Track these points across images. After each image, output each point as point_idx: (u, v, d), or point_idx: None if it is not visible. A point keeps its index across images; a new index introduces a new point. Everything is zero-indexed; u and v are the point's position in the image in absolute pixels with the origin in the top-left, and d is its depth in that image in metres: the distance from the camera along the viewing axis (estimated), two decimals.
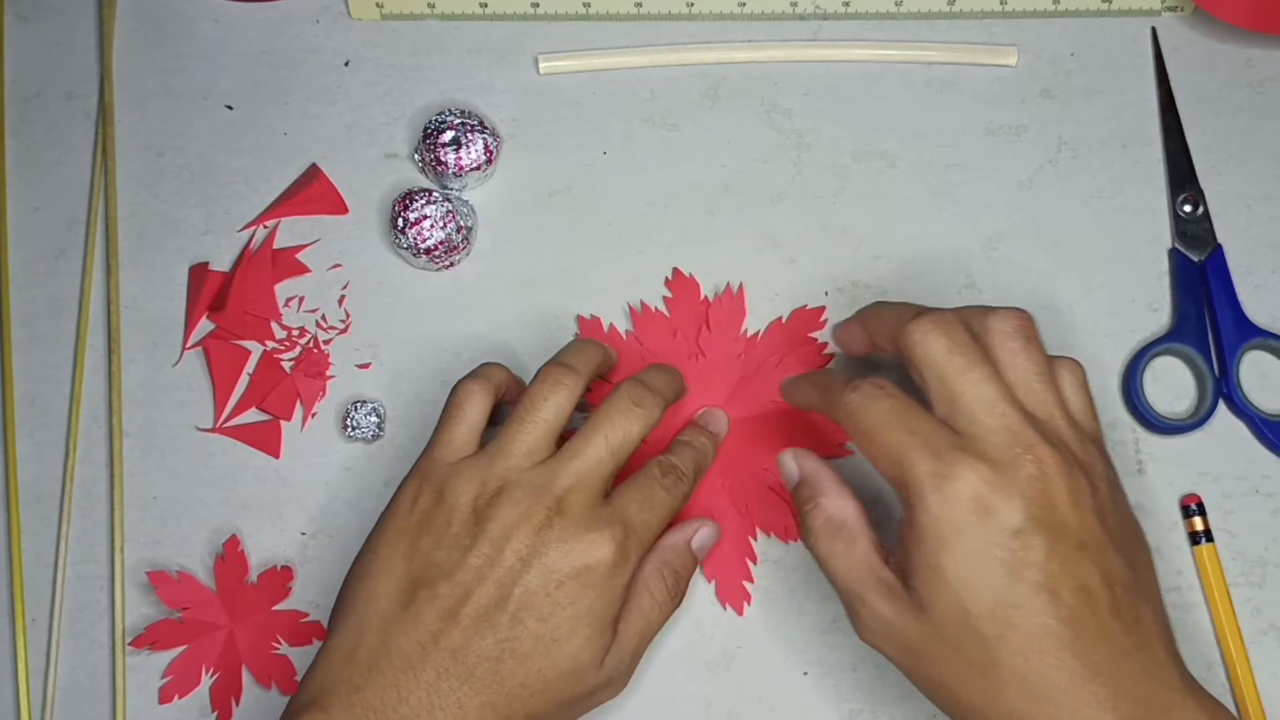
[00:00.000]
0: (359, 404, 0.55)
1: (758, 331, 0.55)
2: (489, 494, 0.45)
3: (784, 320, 0.55)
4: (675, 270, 0.57)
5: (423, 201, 0.55)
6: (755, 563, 0.53)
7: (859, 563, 0.43)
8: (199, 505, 0.55)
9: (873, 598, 0.42)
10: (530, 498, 0.44)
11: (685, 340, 0.55)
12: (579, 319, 0.56)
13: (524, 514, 0.44)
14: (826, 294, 0.56)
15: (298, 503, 0.55)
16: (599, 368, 0.51)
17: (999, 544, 0.39)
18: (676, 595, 0.48)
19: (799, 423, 0.54)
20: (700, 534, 0.50)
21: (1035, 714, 0.39)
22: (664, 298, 0.56)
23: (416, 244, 0.55)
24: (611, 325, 0.56)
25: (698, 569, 0.52)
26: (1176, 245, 0.56)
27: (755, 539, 0.53)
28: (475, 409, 0.48)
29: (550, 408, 0.47)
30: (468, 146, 0.56)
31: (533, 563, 0.44)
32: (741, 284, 0.56)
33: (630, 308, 0.56)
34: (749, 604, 0.53)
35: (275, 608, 0.53)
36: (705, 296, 0.56)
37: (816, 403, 0.47)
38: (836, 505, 0.45)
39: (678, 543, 0.49)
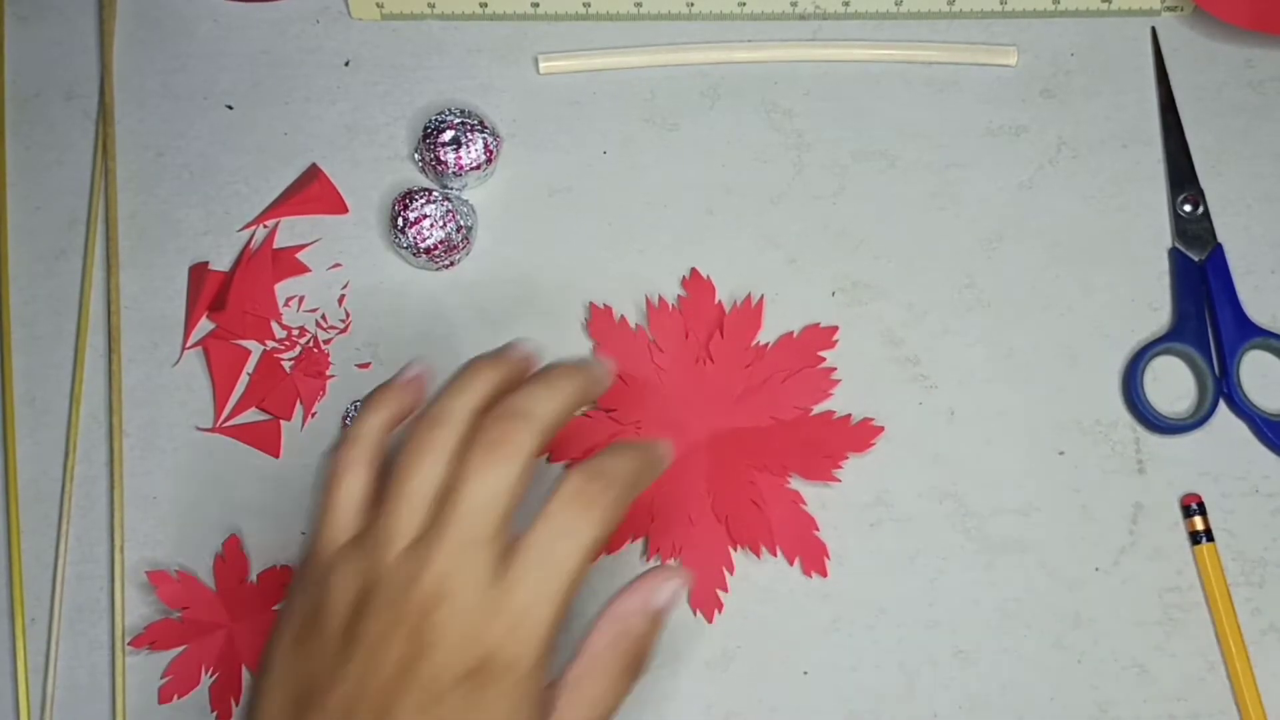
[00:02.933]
0: (359, 404, 0.55)
1: (766, 343, 0.55)
2: (363, 594, 0.38)
3: (795, 335, 0.55)
4: (693, 271, 0.56)
5: (422, 201, 0.55)
6: (732, 573, 0.53)
7: None
8: (199, 505, 0.55)
9: None
10: (402, 597, 0.37)
11: (696, 343, 0.55)
12: (590, 306, 0.56)
13: (396, 618, 0.37)
14: (833, 294, 0.56)
15: (297, 503, 0.55)
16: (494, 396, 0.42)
17: None
18: (634, 669, 0.39)
19: (794, 441, 0.53)
20: (662, 591, 0.40)
21: None
22: (679, 297, 0.56)
23: (416, 243, 0.55)
24: (623, 316, 0.56)
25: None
26: (1177, 245, 0.56)
27: (735, 549, 0.53)
28: (354, 484, 0.40)
29: (421, 479, 0.39)
30: (468, 146, 0.56)
31: (412, 673, 0.36)
32: (762, 296, 0.56)
33: (648, 300, 0.56)
34: (720, 612, 0.52)
35: (275, 608, 0.53)
36: (720, 300, 0.56)
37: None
38: None
39: (634, 607, 0.40)
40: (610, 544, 0.53)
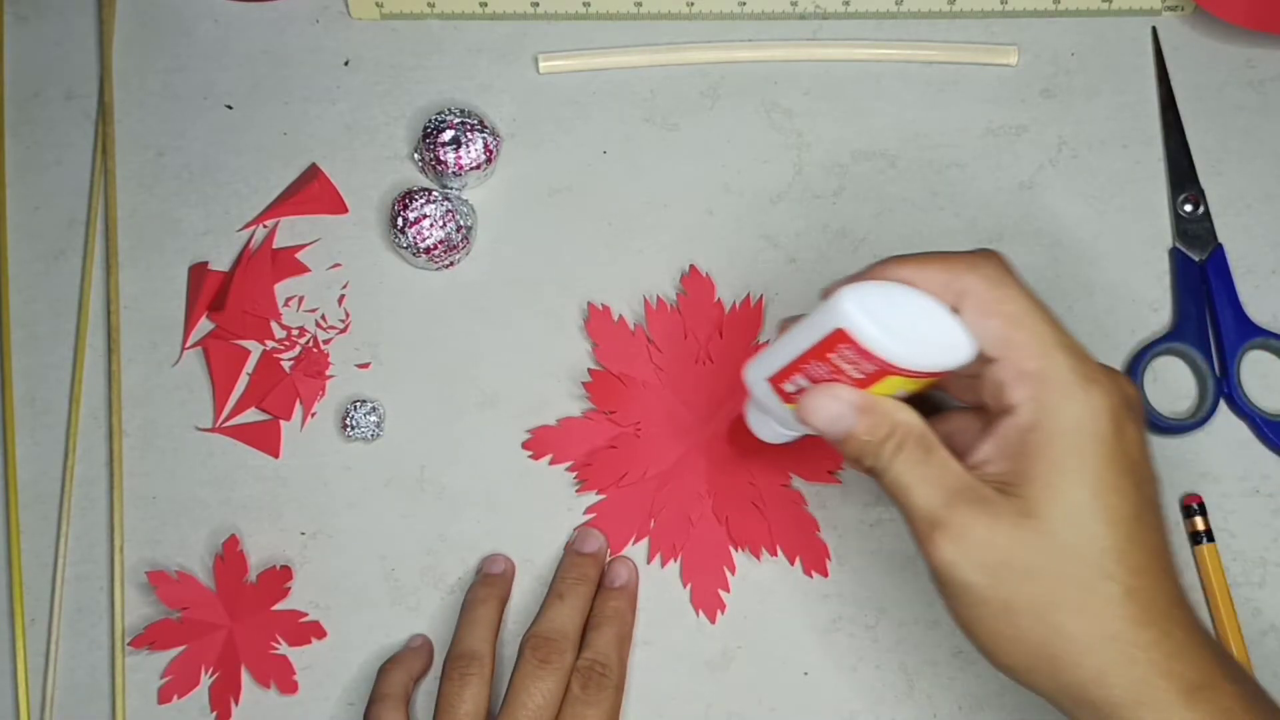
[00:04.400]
0: (359, 403, 0.55)
1: (766, 343, 0.55)
2: None
3: None
4: (692, 267, 0.56)
5: (422, 201, 0.55)
6: (734, 573, 0.53)
7: (942, 473, 0.39)
8: (199, 505, 0.55)
9: (964, 508, 0.38)
10: None
11: (695, 343, 0.55)
12: (590, 306, 0.56)
13: None
14: None
15: (297, 503, 0.55)
16: (501, 615, 0.52)
17: (1131, 457, 0.39)
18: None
19: (794, 443, 0.53)
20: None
21: (1137, 640, 0.38)
22: (677, 295, 0.56)
23: (416, 243, 0.55)
24: (621, 316, 0.56)
25: (679, 568, 0.52)
26: (1177, 245, 0.56)
27: (736, 550, 0.53)
28: None
29: (466, 705, 0.49)
30: (467, 146, 0.56)
31: None
32: (761, 296, 0.56)
33: (646, 300, 0.56)
34: (722, 612, 0.53)
35: (274, 608, 0.53)
36: (719, 300, 0.56)
37: (936, 281, 0.40)
38: (903, 416, 0.40)
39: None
40: (611, 547, 0.53)
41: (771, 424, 0.46)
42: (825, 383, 0.40)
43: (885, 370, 0.39)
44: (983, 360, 0.40)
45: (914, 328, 0.39)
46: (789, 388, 0.42)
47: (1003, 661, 0.40)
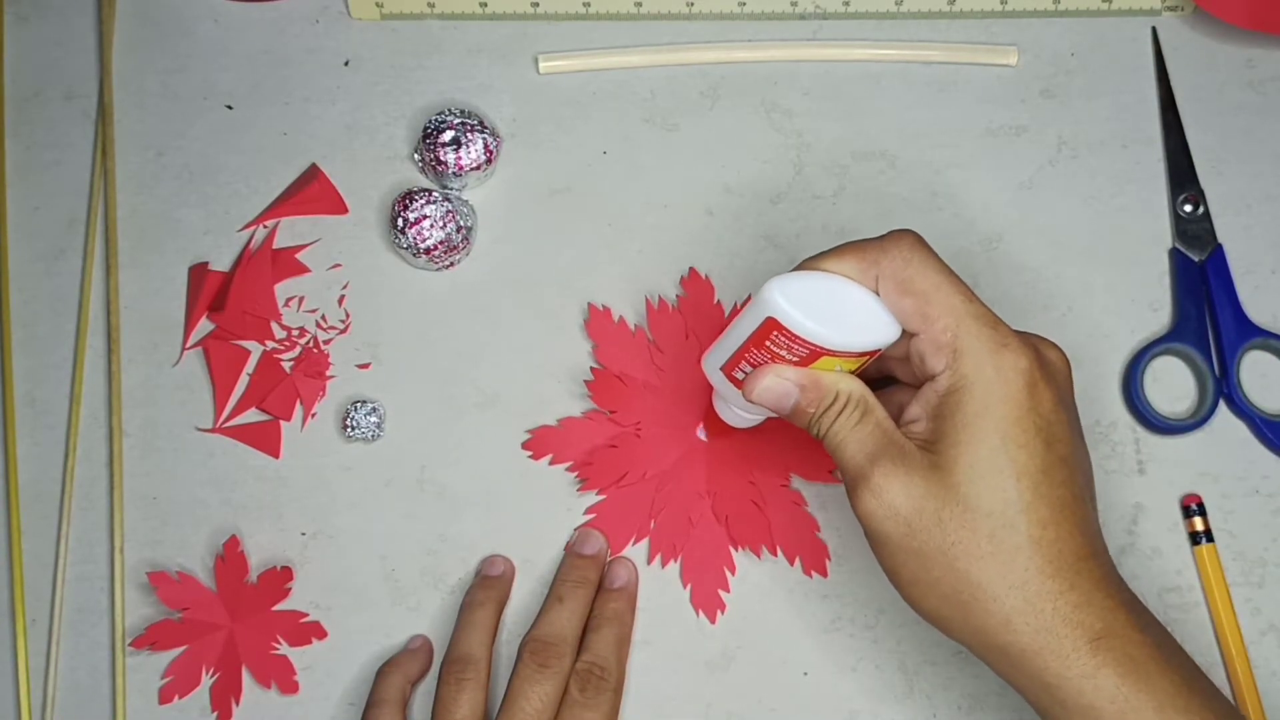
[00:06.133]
0: (359, 404, 0.55)
1: None
2: None
3: None
4: (691, 270, 0.56)
5: (423, 201, 0.55)
6: (734, 573, 0.53)
7: (873, 432, 0.42)
8: (199, 505, 0.55)
9: (886, 463, 0.41)
10: None
11: (696, 344, 0.55)
12: (590, 307, 0.56)
13: None
14: None
15: (298, 503, 0.55)
16: (499, 618, 0.52)
17: (1043, 416, 0.40)
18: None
19: (794, 442, 0.53)
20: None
21: (1043, 589, 0.39)
22: (678, 296, 0.56)
23: (416, 244, 0.55)
24: (622, 317, 0.56)
25: (679, 569, 0.52)
26: (1177, 245, 0.56)
27: (736, 550, 0.53)
28: None
29: (463, 710, 0.49)
30: (468, 146, 0.56)
31: None
32: None
33: (647, 301, 0.56)
34: (722, 612, 0.53)
35: (275, 608, 0.53)
36: (719, 301, 0.56)
37: (854, 268, 0.42)
38: (845, 385, 0.43)
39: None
40: (611, 547, 0.53)
41: (734, 409, 0.48)
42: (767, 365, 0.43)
43: (816, 352, 0.41)
44: (907, 335, 0.42)
45: (837, 311, 0.41)
46: (739, 375, 0.44)
47: (922, 607, 0.42)
